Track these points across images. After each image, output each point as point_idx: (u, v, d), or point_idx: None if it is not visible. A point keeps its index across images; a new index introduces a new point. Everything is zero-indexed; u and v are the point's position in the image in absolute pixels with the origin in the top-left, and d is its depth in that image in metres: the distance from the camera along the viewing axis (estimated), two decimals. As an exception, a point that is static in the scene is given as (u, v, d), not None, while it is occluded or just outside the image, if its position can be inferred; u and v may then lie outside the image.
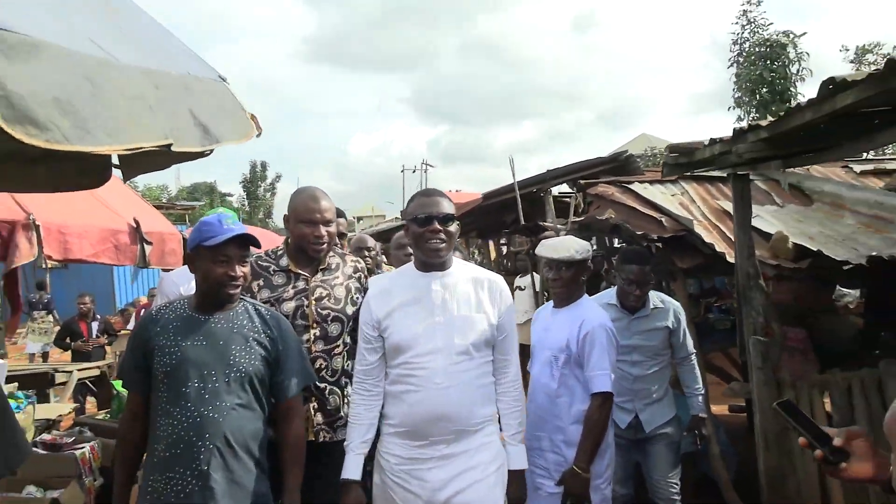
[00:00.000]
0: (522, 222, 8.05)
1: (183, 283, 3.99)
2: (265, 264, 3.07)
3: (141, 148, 1.46)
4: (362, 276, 3.24)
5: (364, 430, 2.79)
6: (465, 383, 2.68)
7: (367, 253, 4.72)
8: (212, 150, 1.87)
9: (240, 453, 2.49)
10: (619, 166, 10.22)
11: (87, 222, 3.96)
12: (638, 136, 43.84)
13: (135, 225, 4.46)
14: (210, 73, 2.03)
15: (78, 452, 4.43)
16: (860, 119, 3.15)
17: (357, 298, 3.12)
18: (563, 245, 3.44)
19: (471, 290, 2.78)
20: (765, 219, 5.85)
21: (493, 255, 19.34)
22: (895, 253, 4.82)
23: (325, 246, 3.04)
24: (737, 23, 21.59)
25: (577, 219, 7.35)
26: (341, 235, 4.08)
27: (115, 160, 2.04)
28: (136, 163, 1.90)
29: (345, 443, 2.80)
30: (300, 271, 3.06)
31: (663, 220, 5.44)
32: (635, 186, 6.50)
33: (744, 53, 21.19)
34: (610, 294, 4.11)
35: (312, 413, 2.97)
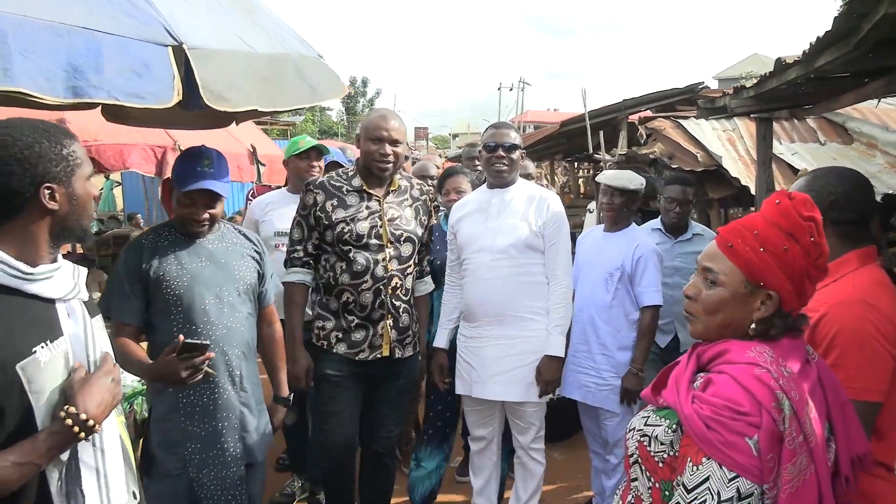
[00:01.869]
0: (591, 151, 8.66)
1: (256, 213, 4.13)
2: (337, 184, 3.11)
3: (277, 111, 2.40)
4: (428, 198, 3.34)
5: (450, 311, 3.48)
6: (503, 277, 3.21)
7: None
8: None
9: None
10: (695, 100, 10.47)
11: (217, 146, 5.02)
12: (750, 56, 41.94)
13: (252, 150, 5.53)
14: (311, 52, 2.94)
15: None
16: (832, 82, 3.78)
17: (424, 220, 3.26)
18: (619, 175, 3.86)
19: (522, 203, 3.28)
20: (802, 156, 6.39)
21: (561, 178, 19.71)
22: (911, 192, 5.36)
23: (390, 164, 3.07)
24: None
25: (622, 152, 7.96)
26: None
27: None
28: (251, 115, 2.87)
29: (438, 321, 3.49)
30: (372, 192, 3.11)
31: (699, 155, 6.07)
32: (687, 122, 7.08)
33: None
34: (656, 221, 4.51)
35: (389, 329, 3.10)
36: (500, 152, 3.28)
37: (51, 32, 1.73)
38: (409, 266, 3.18)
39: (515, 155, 3.32)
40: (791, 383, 1.44)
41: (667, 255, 4.21)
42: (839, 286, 1.93)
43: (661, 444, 1.49)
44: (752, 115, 5.25)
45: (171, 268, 2.56)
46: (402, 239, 3.13)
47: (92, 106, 2.77)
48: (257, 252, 2.84)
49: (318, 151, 4.11)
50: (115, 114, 3.12)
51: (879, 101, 6.68)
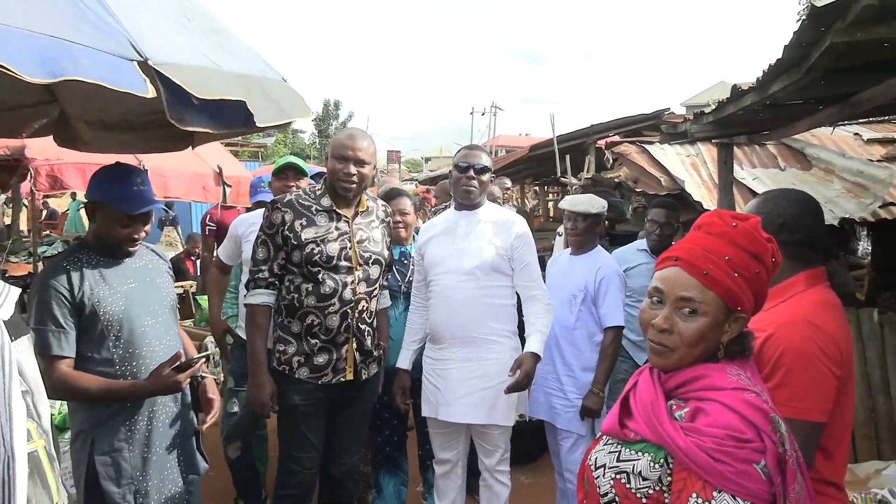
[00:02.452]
0: (559, 175, 8.78)
1: (240, 229, 4.02)
2: (307, 203, 3.04)
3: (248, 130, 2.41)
4: (391, 221, 3.35)
5: (414, 332, 3.50)
6: (469, 299, 3.22)
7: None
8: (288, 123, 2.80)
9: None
10: (661, 123, 10.71)
11: (183, 167, 5.02)
12: (717, 84, 42.87)
13: (218, 170, 5.52)
14: (276, 75, 2.95)
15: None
16: (788, 108, 3.88)
17: (388, 241, 3.26)
18: (580, 200, 3.93)
19: (489, 226, 3.31)
20: (762, 181, 6.53)
21: (531, 202, 19.96)
22: (865, 216, 5.51)
23: (353, 185, 3.01)
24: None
25: (587, 175, 8.07)
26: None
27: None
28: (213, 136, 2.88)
29: (402, 342, 3.50)
30: (342, 212, 3.06)
31: (662, 179, 6.18)
32: (652, 147, 7.20)
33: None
34: (642, 242, 4.60)
35: (354, 352, 3.06)
36: (471, 173, 3.31)
37: (18, 34, 1.72)
38: (376, 288, 3.16)
39: (485, 177, 3.36)
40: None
41: (650, 274, 4.24)
42: (786, 307, 1.97)
43: (645, 479, 1.44)
44: (713, 141, 5.36)
45: (102, 293, 2.45)
46: (371, 261, 3.10)
47: (46, 132, 2.76)
48: (169, 268, 2.85)
49: (295, 170, 4.00)
50: (64, 137, 3.07)
51: (834, 128, 6.88)
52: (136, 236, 2.54)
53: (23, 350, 1.67)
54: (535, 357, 3.16)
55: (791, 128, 3.91)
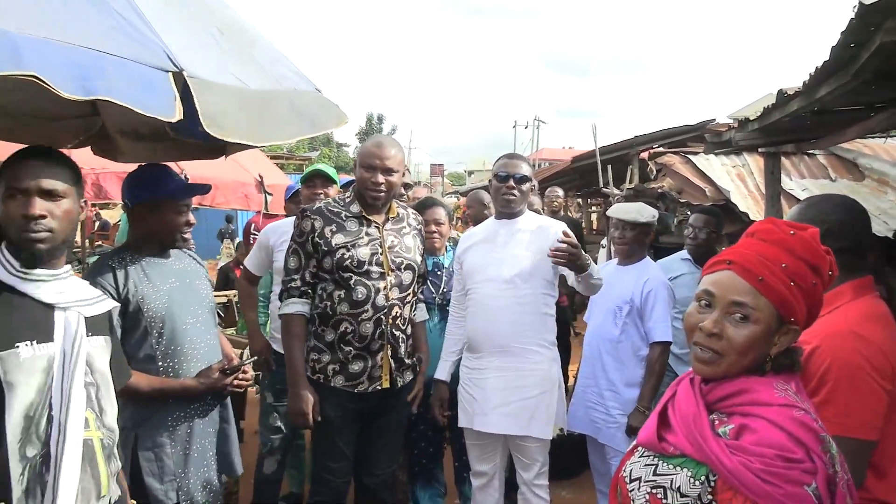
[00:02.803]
0: (601, 186, 8.69)
1: (272, 236, 3.96)
2: (336, 210, 3.05)
3: (268, 143, 2.45)
4: (422, 228, 3.34)
5: (453, 343, 3.45)
6: (508, 307, 3.17)
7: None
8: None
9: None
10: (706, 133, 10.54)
11: (224, 175, 5.10)
12: (765, 96, 42.08)
13: (260, 179, 5.60)
14: (309, 86, 2.97)
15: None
16: (837, 115, 3.76)
17: (421, 249, 3.24)
18: (630, 208, 3.82)
19: (529, 234, 3.27)
20: (811, 191, 6.34)
21: (574, 214, 19.80)
22: (921, 228, 5.30)
23: (382, 193, 3.01)
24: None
25: (630, 186, 7.96)
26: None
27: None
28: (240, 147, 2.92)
29: (441, 353, 3.45)
30: (371, 218, 3.05)
31: (707, 189, 6.05)
32: (696, 157, 7.07)
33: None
34: (684, 252, 4.45)
35: (389, 359, 3.03)
36: (511, 182, 3.27)
37: (53, 47, 1.76)
38: (409, 295, 3.12)
39: (525, 186, 3.31)
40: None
41: (694, 284, 4.17)
42: (832, 318, 1.88)
43: (683, 495, 1.38)
44: (759, 150, 5.24)
45: (147, 290, 2.49)
46: (403, 266, 3.07)
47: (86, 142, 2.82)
48: (207, 274, 2.89)
49: (324, 178, 3.95)
50: (103, 148, 3.13)
51: (888, 138, 6.66)
52: (190, 222, 2.64)
53: (97, 346, 1.88)
54: (586, 260, 3.06)
55: (841, 135, 3.78)
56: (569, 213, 19.45)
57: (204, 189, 2.81)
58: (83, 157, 4.41)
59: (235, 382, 2.64)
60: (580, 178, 14.19)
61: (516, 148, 46.59)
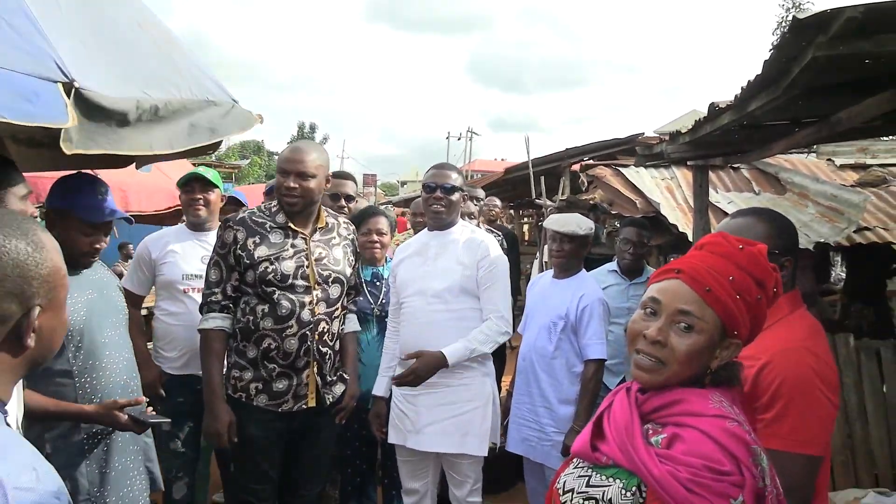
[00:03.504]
0: (534, 198, 8.74)
1: (153, 249, 3.72)
2: (260, 220, 2.91)
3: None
4: (354, 237, 3.20)
5: (390, 358, 3.36)
6: (439, 322, 3.12)
7: (475, 202, 5.18)
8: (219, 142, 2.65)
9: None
10: (635, 148, 10.74)
11: (147, 183, 4.85)
12: (689, 112, 43.52)
13: (182, 187, 5.35)
14: (225, 97, 2.78)
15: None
16: (765, 129, 3.83)
17: (352, 260, 3.12)
18: (569, 220, 3.72)
19: (459, 247, 3.21)
20: (737, 204, 6.49)
21: (507, 226, 20.01)
22: (840, 240, 5.49)
23: (296, 199, 2.85)
24: (782, 5, 21.87)
25: (562, 197, 8.03)
26: (349, 198, 3.99)
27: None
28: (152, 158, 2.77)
29: (378, 368, 3.40)
30: (298, 229, 2.92)
31: (637, 201, 6.13)
32: (627, 170, 7.17)
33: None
34: (613, 263, 4.52)
35: (315, 377, 2.91)
36: (439, 193, 3.21)
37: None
38: (337, 309, 3.00)
39: (455, 197, 3.24)
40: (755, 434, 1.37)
41: (621, 296, 4.22)
42: (777, 333, 1.85)
43: None
44: (688, 163, 5.32)
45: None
46: (331, 280, 2.95)
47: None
48: (119, 285, 2.82)
49: (202, 182, 3.74)
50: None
51: (809, 154, 6.91)
52: (97, 246, 2.51)
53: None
54: (439, 358, 3.02)
55: (767, 149, 3.86)
56: (502, 224, 19.54)
57: (113, 217, 2.57)
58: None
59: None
60: (513, 189, 14.25)
61: (449, 159, 46.82)
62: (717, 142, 3.97)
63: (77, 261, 2.48)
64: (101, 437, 2.43)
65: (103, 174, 4.75)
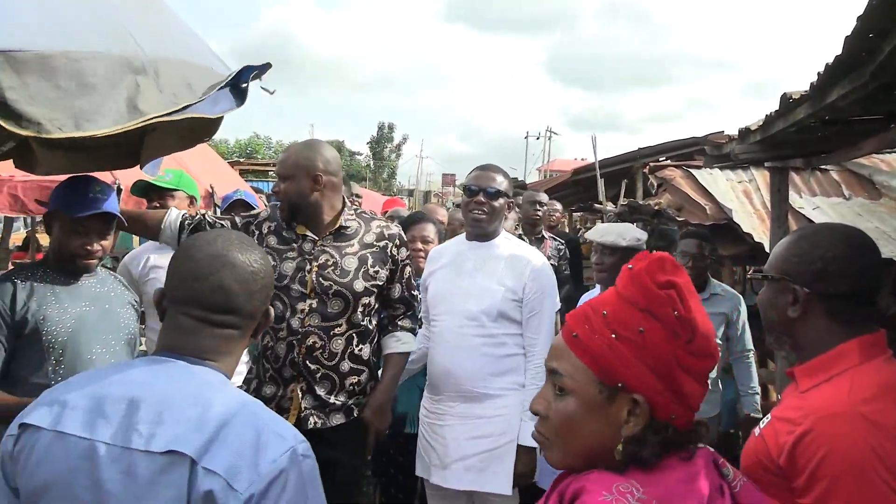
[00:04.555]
0: (601, 201, 8.22)
1: (133, 266, 3.50)
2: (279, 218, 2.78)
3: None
4: (391, 245, 2.79)
5: (415, 357, 3.05)
6: (471, 347, 2.81)
7: (538, 207, 5.10)
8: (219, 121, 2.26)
9: None
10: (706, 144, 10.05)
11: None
12: (779, 110, 41.59)
13: (210, 190, 5.13)
14: (204, 61, 2.35)
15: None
16: (853, 125, 3.23)
17: (375, 272, 2.72)
18: (611, 230, 3.40)
19: (501, 263, 2.88)
20: (824, 210, 5.81)
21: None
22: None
23: (281, 202, 2.74)
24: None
25: (623, 202, 7.46)
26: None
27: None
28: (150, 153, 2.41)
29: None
30: (309, 232, 2.70)
31: (707, 207, 5.54)
32: (699, 172, 6.56)
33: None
34: None
35: (300, 394, 2.64)
36: (481, 197, 2.87)
37: None
38: (339, 326, 2.66)
39: (499, 203, 2.89)
40: None
41: None
42: (831, 391, 1.39)
43: None
44: (765, 164, 4.72)
45: (51, 311, 2.28)
46: (331, 292, 2.63)
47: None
48: (136, 301, 2.66)
49: (158, 191, 3.51)
50: (24, 161, 2.68)
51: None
52: (89, 247, 2.35)
53: None
54: (529, 451, 2.78)
55: (856, 149, 3.25)
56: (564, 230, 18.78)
57: (98, 210, 2.34)
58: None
59: None
60: (585, 192, 13.70)
61: (528, 158, 46.29)
62: (795, 140, 3.39)
63: (73, 266, 2.37)
64: None
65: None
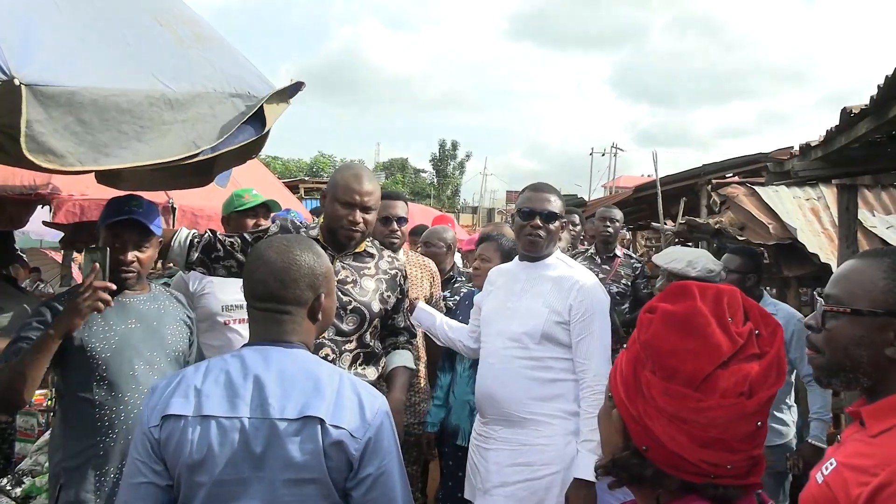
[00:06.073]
0: (661, 220, 7.96)
1: (192, 284, 3.50)
2: (295, 228, 2.81)
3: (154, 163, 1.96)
4: (399, 275, 2.88)
5: (450, 322, 3.25)
6: (513, 370, 2.74)
7: (608, 224, 5.04)
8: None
9: None
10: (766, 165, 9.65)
11: (216, 205, 4.68)
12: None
13: (168, 200, 5.10)
14: (255, 90, 2.37)
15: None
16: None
17: (388, 297, 2.80)
18: (681, 256, 3.22)
19: (550, 284, 2.82)
20: (899, 230, 5.47)
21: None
22: None
23: (358, 234, 2.67)
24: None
25: (682, 220, 7.19)
26: (401, 220, 3.72)
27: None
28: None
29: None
30: (327, 245, 2.68)
31: (771, 226, 5.29)
32: (764, 189, 6.28)
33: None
34: None
35: None
36: (537, 221, 2.79)
37: None
38: (350, 342, 2.67)
39: (555, 225, 2.83)
40: None
41: None
42: None
43: None
44: (833, 181, 4.47)
45: (96, 329, 2.35)
46: (350, 308, 2.66)
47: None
48: (189, 317, 2.68)
49: (267, 208, 3.66)
50: (106, 175, 2.81)
51: None
52: (122, 257, 2.39)
53: None
54: (589, 486, 2.57)
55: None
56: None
57: (126, 217, 2.40)
58: (67, 181, 4.02)
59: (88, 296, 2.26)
60: (648, 209, 13.33)
61: (593, 175, 45.73)
62: (861, 156, 3.17)
63: (114, 280, 2.33)
64: (111, 475, 2.34)
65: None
